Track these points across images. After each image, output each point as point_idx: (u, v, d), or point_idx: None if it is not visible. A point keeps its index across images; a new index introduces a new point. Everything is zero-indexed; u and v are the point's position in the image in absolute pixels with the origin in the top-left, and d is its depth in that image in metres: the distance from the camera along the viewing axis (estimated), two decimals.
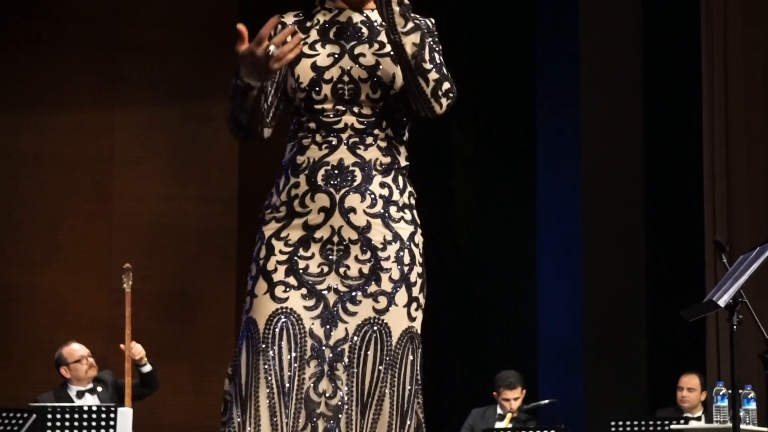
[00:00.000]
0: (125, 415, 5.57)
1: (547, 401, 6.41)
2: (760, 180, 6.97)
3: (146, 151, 7.31)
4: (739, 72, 6.99)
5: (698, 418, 6.38)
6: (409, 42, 2.75)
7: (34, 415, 5.30)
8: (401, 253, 2.79)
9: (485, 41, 7.73)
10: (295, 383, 2.71)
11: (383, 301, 2.75)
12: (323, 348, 2.72)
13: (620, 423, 5.92)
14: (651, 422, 5.95)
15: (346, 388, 2.72)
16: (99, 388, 5.96)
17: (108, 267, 6.98)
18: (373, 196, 2.78)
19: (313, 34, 2.87)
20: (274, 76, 2.80)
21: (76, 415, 5.41)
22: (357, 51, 2.84)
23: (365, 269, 2.76)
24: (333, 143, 2.80)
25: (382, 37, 2.86)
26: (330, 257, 2.75)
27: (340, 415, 2.72)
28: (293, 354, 2.71)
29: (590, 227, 6.83)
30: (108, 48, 7.25)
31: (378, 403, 2.75)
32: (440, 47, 2.86)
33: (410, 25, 2.77)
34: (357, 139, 2.81)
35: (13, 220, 7.12)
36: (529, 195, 7.22)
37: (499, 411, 6.37)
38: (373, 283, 2.75)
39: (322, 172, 2.78)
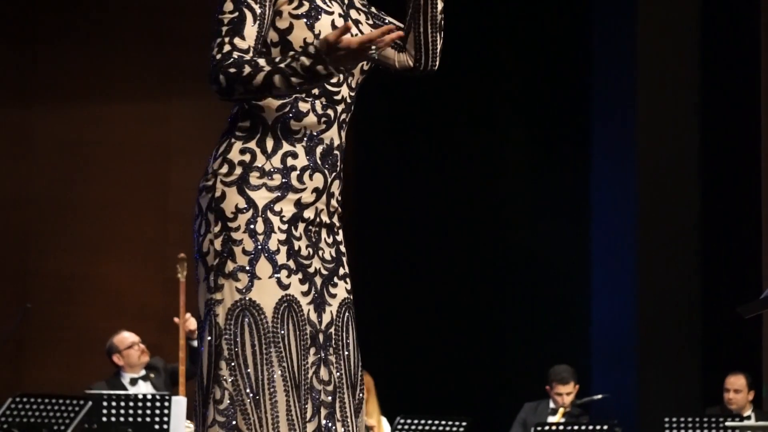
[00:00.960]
0: (179, 404, 5.51)
1: (599, 396, 6.36)
2: None
3: (201, 141, 7.27)
4: None
5: (747, 418, 6.30)
6: (439, 6, 2.77)
7: (90, 403, 5.24)
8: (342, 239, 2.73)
9: (541, 41, 7.69)
10: (302, 374, 2.60)
11: (349, 283, 2.70)
12: (318, 334, 2.63)
13: (674, 420, 5.83)
14: (705, 419, 5.87)
15: (337, 373, 2.65)
16: (152, 375, 5.94)
17: (163, 256, 6.92)
18: (342, 185, 2.71)
19: None
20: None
21: (131, 403, 5.36)
22: (353, 16, 2.71)
23: (333, 252, 2.67)
24: (330, 117, 2.65)
25: (358, 4, 2.75)
26: (312, 239, 2.64)
27: (335, 401, 2.65)
28: (299, 343, 2.59)
29: (645, 223, 6.79)
30: (163, 40, 7.24)
31: (361, 381, 2.71)
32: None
33: None
34: (345, 116, 2.68)
35: (71, 210, 7.13)
36: (584, 191, 7.18)
37: (552, 405, 6.31)
38: (340, 266, 2.68)
39: (319, 149, 2.64)
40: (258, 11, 2.60)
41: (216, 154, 2.63)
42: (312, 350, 2.61)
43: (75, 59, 7.14)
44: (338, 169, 2.66)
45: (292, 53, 2.56)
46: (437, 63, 2.82)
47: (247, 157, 2.60)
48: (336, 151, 2.66)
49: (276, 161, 2.61)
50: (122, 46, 7.20)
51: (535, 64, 7.73)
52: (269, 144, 2.61)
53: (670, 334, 6.72)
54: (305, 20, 2.62)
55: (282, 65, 2.52)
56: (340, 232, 2.71)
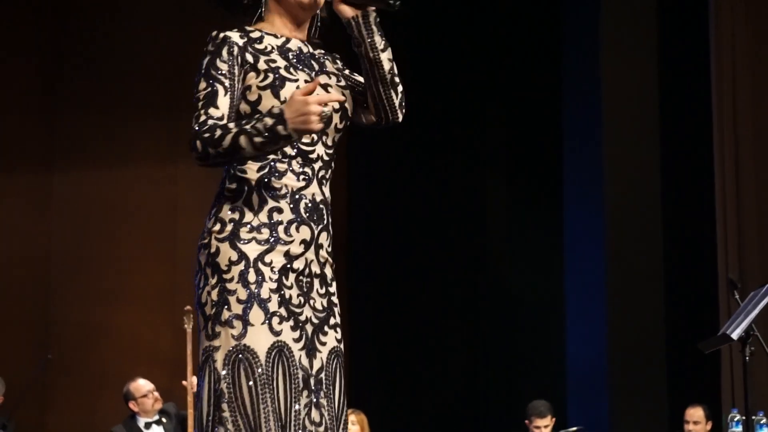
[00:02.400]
0: None
1: (575, 429, 6.40)
2: None
3: (205, 200, 7.29)
4: (747, 118, 6.99)
5: None
6: (386, 58, 2.74)
7: None
8: (336, 290, 2.79)
9: (513, 86, 7.74)
10: (292, 416, 2.63)
11: (340, 333, 2.75)
12: (310, 378, 2.68)
13: None
14: None
15: (328, 415, 2.69)
16: (164, 419, 6.03)
17: (173, 307, 7.04)
18: (331, 237, 2.77)
19: (278, 59, 2.76)
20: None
21: None
22: (322, 81, 2.74)
23: (325, 303, 2.74)
24: (308, 175, 2.71)
25: (330, 68, 2.80)
26: (303, 288, 2.69)
27: None
28: (288, 386, 2.63)
29: (613, 264, 6.83)
30: (172, 109, 7.35)
31: (345, 425, 2.75)
32: None
33: (384, 41, 2.76)
34: (324, 173, 2.74)
35: (88, 264, 7.21)
36: (557, 231, 7.21)
37: None
38: (331, 316, 2.74)
39: (303, 204, 2.70)
40: (227, 84, 2.69)
41: (210, 215, 2.70)
42: (305, 393, 2.64)
43: (91, 126, 7.26)
44: (325, 221, 2.72)
45: (258, 115, 2.61)
46: (399, 115, 2.79)
47: (236, 215, 2.65)
48: (321, 206, 2.71)
49: (263, 216, 2.66)
50: (135, 115, 7.34)
51: (514, 120, 7.79)
52: (255, 202, 2.66)
53: (639, 368, 6.74)
54: (270, 90, 2.68)
55: (247, 126, 2.57)
56: (333, 283, 2.77)
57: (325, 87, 2.74)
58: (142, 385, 6.00)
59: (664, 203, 6.93)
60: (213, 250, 2.66)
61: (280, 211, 2.70)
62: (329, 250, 2.76)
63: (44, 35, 7.22)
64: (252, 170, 2.68)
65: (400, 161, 7.61)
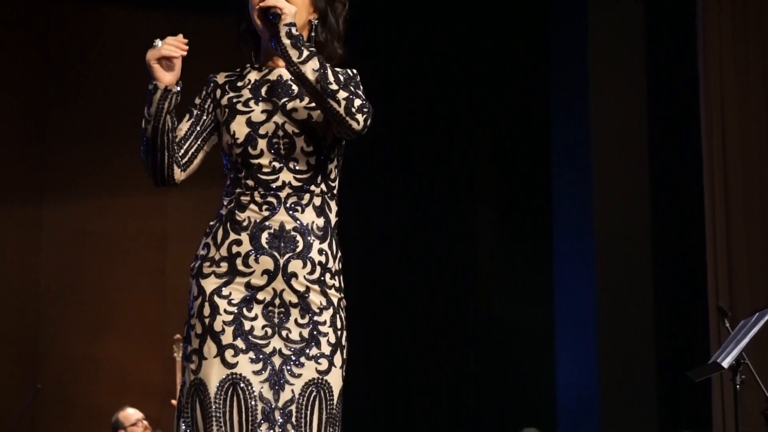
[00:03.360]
0: None
1: None
2: (758, 252, 6.97)
3: (194, 230, 7.32)
4: (736, 143, 7.01)
5: None
6: (309, 69, 2.65)
7: None
8: (335, 319, 2.73)
9: (502, 115, 7.75)
10: None
11: (324, 363, 2.69)
12: (273, 410, 2.63)
13: None
14: None
15: None
16: None
17: (162, 337, 7.00)
18: (312, 263, 2.70)
19: (246, 93, 2.79)
20: (174, 84, 2.75)
21: None
22: (290, 106, 2.75)
23: (305, 333, 2.69)
24: (273, 204, 2.70)
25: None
26: (273, 319, 2.67)
27: None
28: (244, 419, 2.60)
29: (603, 293, 6.82)
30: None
31: None
32: (361, 88, 2.77)
33: (305, 53, 2.68)
34: (295, 199, 2.72)
35: (77, 296, 7.17)
36: (547, 261, 7.21)
37: None
38: (313, 346, 2.69)
39: (265, 235, 2.69)
40: (194, 112, 2.83)
41: None
42: (264, 426, 2.60)
43: (80, 158, 7.23)
44: (299, 249, 2.68)
45: None
46: (350, 123, 2.66)
47: (204, 251, 2.71)
48: (293, 233, 2.68)
49: (223, 250, 2.68)
50: (124, 146, 7.20)
51: (503, 149, 7.79)
52: (219, 236, 2.70)
53: (629, 397, 6.72)
54: (224, 125, 2.81)
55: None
56: (325, 312, 2.71)
57: (289, 112, 2.74)
58: (131, 414, 5.95)
59: (653, 231, 6.94)
60: (189, 287, 2.71)
61: (239, 243, 2.69)
62: (314, 277, 2.69)
63: (34, 67, 7.21)
64: (223, 206, 2.74)
65: (388, 190, 7.59)
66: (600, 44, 6.99)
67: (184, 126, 2.81)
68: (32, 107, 7.21)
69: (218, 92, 2.81)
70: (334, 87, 2.66)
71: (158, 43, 2.76)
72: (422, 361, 7.53)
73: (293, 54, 2.67)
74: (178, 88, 2.75)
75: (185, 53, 2.75)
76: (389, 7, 7.55)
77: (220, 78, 2.85)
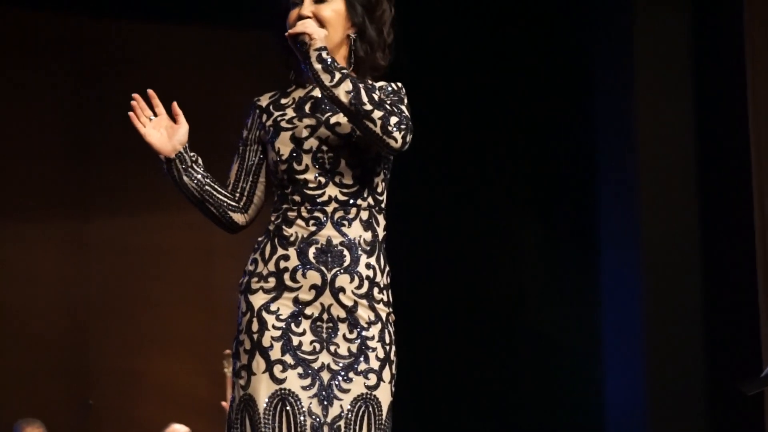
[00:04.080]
0: None
1: None
2: None
3: (242, 244, 7.34)
4: None
5: None
6: (342, 92, 2.66)
7: None
8: (383, 333, 2.73)
9: (546, 125, 7.72)
10: None
11: (373, 378, 2.70)
12: (322, 426, 2.64)
13: None
14: None
15: None
16: None
17: (210, 352, 6.99)
18: (360, 278, 2.71)
19: (290, 111, 2.83)
20: (174, 150, 2.88)
21: None
22: (333, 121, 2.77)
23: (353, 348, 2.70)
24: (320, 219, 2.72)
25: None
26: (321, 334, 2.69)
27: None
28: None
29: (651, 303, 6.78)
30: (207, 151, 7.29)
31: None
32: (405, 102, 2.77)
33: (338, 76, 2.68)
34: (341, 213, 2.73)
35: (123, 311, 7.21)
36: (593, 272, 7.17)
37: None
38: (362, 361, 2.70)
39: (312, 249, 2.70)
40: (241, 150, 2.90)
41: None
42: None
43: (126, 173, 7.26)
44: (346, 264, 2.70)
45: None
46: (390, 142, 2.66)
47: (252, 267, 2.76)
48: (340, 247, 2.71)
49: (271, 266, 2.72)
50: None
51: (547, 159, 7.76)
52: (267, 251, 2.75)
53: (679, 410, 6.66)
54: (269, 144, 2.85)
55: None
56: (373, 327, 2.73)
57: (332, 126, 2.76)
58: (177, 429, 5.99)
59: (701, 241, 6.87)
60: (238, 302, 2.76)
61: (287, 258, 2.72)
62: (361, 292, 2.70)
63: (71, 85, 7.26)
64: (271, 221, 2.78)
65: (432, 203, 7.56)
66: (646, 56, 6.94)
67: (233, 171, 2.90)
68: (72, 125, 7.25)
69: (264, 116, 2.84)
70: (369, 107, 2.66)
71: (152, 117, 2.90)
72: (468, 375, 7.48)
73: (325, 79, 2.68)
74: (181, 150, 2.92)
75: (144, 126, 3.02)
76: (431, 33, 7.54)
77: (264, 100, 2.89)
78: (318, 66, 2.68)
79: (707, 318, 6.82)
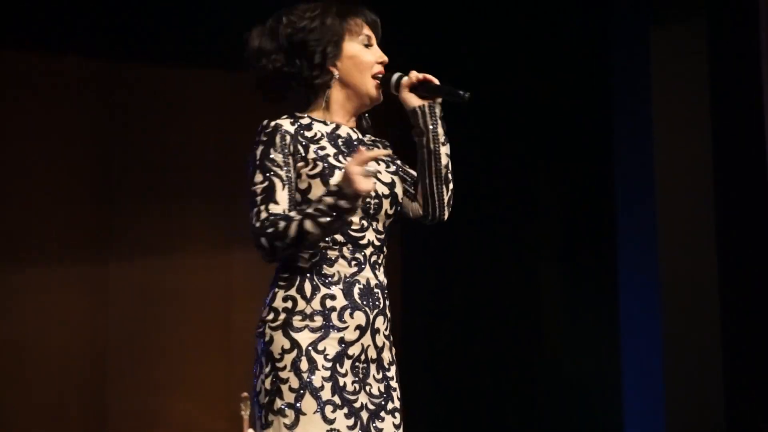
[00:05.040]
0: None
1: None
2: None
3: (262, 286, 7.33)
4: None
5: None
6: (444, 152, 2.77)
7: None
8: (397, 374, 2.81)
9: (565, 166, 7.71)
10: None
11: (398, 417, 2.76)
12: None
13: None
14: None
15: None
16: None
17: (228, 394, 6.97)
18: (388, 320, 2.78)
19: (328, 146, 2.80)
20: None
21: None
22: (372, 168, 2.74)
23: (382, 388, 2.76)
24: (360, 261, 2.74)
25: (382, 157, 2.84)
26: (359, 374, 2.73)
27: None
28: None
29: (670, 344, 6.73)
30: (226, 195, 7.41)
31: None
32: None
33: (445, 135, 2.80)
34: (376, 257, 2.77)
35: (142, 352, 7.19)
36: (612, 312, 7.13)
37: None
38: (389, 400, 2.75)
39: (356, 290, 2.73)
40: (284, 176, 2.74)
41: (265, 304, 2.80)
42: None
43: (145, 216, 7.30)
44: (381, 306, 2.75)
45: (317, 198, 2.67)
46: (446, 213, 2.85)
47: (289, 304, 2.74)
48: (376, 290, 2.76)
49: (315, 304, 2.72)
50: (191, 203, 7.38)
51: (567, 201, 7.74)
52: (308, 289, 2.73)
53: None
54: (320, 179, 2.76)
55: (309, 210, 2.63)
56: (392, 367, 2.80)
57: (376, 173, 2.77)
58: None
59: (720, 274, 6.84)
60: (267, 338, 2.73)
61: (333, 297, 2.73)
62: (387, 333, 2.77)
63: (99, 127, 7.30)
64: (304, 259, 2.73)
65: (452, 246, 7.54)
66: (663, 84, 6.93)
67: (282, 198, 2.72)
68: (97, 168, 7.27)
69: (297, 145, 2.76)
70: (451, 176, 2.82)
71: (371, 169, 2.62)
72: (488, 412, 7.43)
73: (440, 132, 2.79)
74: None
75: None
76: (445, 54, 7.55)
77: (286, 125, 2.81)
78: (440, 120, 2.80)
79: (727, 355, 6.76)
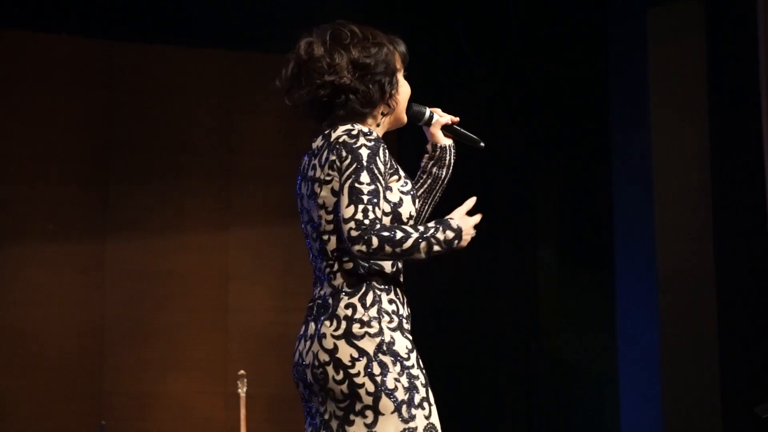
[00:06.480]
0: None
1: None
2: None
3: (255, 267, 7.37)
4: None
5: None
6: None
7: None
8: None
9: (562, 154, 7.70)
10: None
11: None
12: None
13: None
14: None
15: None
16: None
17: (224, 373, 7.01)
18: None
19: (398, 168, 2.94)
20: None
21: None
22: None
23: None
24: (399, 268, 3.00)
25: None
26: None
27: None
28: None
29: (667, 333, 6.72)
30: (223, 176, 7.40)
31: None
32: None
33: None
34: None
35: (139, 333, 7.18)
36: (609, 299, 7.13)
37: None
38: None
39: (406, 298, 2.98)
40: (383, 186, 2.84)
41: (363, 305, 2.84)
42: None
43: (142, 197, 7.27)
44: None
45: (434, 225, 2.81)
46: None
47: (394, 307, 2.88)
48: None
49: (407, 309, 2.92)
50: (188, 185, 7.35)
51: (564, 188, 7.74)
52: (400, 295, 2.90)
53: None
54: (411, 197, 2.91)
55: (429, 234, 2.78)
56: None
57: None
58: None
59: (717, 267, 6.82)
60: (388, 339, 2.81)
61: (404, 306, 2.95)
62: None
63: (96, 108, 7.29)
64: (388, 266, 2.88)
65: None
66: (661, 79, 6.91)
67: (384, 206, 2.87)
68: (94, 148, 7.25)
69: (392, 160, 2.90)
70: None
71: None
72: (483, 401, 7.43)
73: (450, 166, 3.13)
74: None
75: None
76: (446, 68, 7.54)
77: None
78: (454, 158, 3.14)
79: (723, 346, 6.73)
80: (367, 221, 2.72)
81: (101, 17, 7.18)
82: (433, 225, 2.81)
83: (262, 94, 7.20)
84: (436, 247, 2.77)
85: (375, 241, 2.70)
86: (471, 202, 2.86)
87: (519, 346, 7.59)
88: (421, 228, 2.79)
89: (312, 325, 2.86)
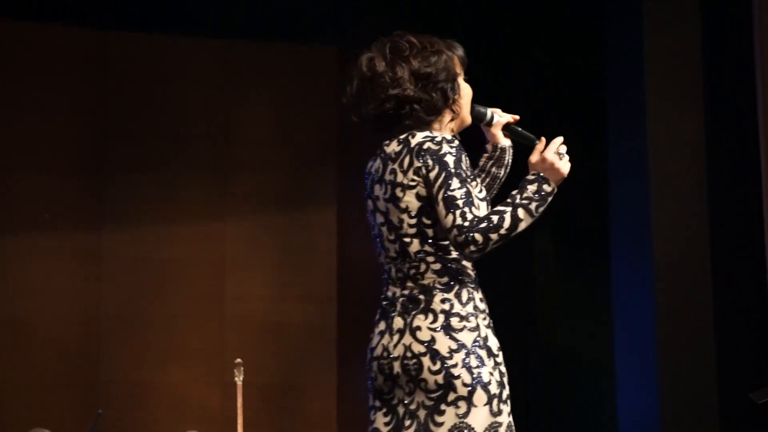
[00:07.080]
0: None
1: None
2: None
3: (252, 257, 7.39)
4: None
5: None
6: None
7: None
8: None
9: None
10: None
11: None
12: None
13: None
14: None
15: None
16: None
17: (221, 362, 7.02)
18: None
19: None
20: None
21: None
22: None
23: None
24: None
25: None
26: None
27: None
28: None
29: (663, 318, 6.72)
30: (219, 165, 7.40)
31: None
32: None
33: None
34: None
35: (136, 322, 7.19)
36: (605, 287, 7.15)
37: None
38: None
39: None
40: (473, 189, 2.97)
41: (459, 300, 2.95)
42: None
43: (139, 186, 7.27)
44: None
45: (517, 191, 2.90)
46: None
47: (483, 305, 3.00)
48: None
49: (482, 305, 3.00)
50: (184, 174, 7.35)
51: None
52: (477, 295, 3.00)
53: (692, 420, 6.59)
54: (485, 204, 3.06)
55: (518, 200, 2.87)
56: None
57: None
58: None
59: (713, 253, 6.82)
60: (483, 334, 2.93)
61: (482, 300, 3.04)
62: None
63: (91, 98, 7.28)
64: (470, 266, 3.00)
65: None
66: (656, 70, 6.91)
67: (480, 204, 2.95)
68: (91, 138, 7.24)
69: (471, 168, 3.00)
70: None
71: (563, 149, 2.95)
72: None
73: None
74: None
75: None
76: None
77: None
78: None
79: (719, 330, 6.76)
80: (466, 223, 2.81)
81: (96, 7, 7.17)
82: (516, 191, 2.88)
83: (257, 83, 7.21)
84: (533, 204, 2.86)
85: (479, 236, 2.80)
86: (541, 144, 2.94)
87: (515, 335, 7.60)
88: (508, 199, 2.87)
89: (399, 320, 2.89)
